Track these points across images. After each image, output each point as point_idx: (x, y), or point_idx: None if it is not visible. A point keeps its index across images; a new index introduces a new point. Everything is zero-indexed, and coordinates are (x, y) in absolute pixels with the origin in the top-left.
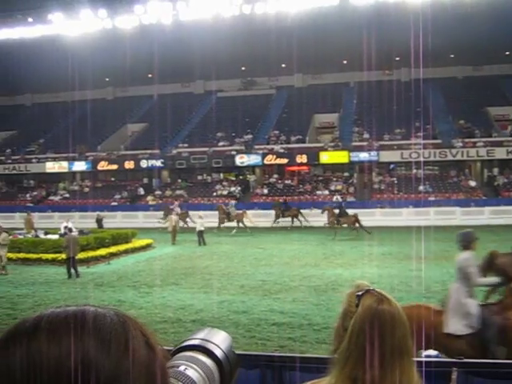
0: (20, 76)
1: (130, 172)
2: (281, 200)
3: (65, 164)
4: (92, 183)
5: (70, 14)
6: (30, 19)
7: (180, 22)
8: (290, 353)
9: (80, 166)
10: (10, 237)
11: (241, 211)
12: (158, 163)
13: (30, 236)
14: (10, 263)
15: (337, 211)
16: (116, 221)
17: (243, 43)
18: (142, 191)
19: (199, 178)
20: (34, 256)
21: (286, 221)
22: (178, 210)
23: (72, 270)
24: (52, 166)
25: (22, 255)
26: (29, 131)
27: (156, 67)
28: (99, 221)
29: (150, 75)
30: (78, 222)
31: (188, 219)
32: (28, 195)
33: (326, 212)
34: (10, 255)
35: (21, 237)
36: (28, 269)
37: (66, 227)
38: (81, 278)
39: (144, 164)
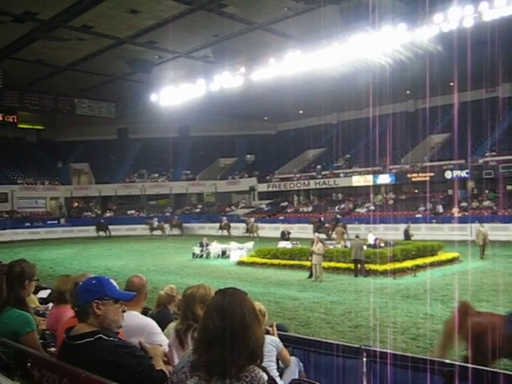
0: (326, 98)
1: (434, 183)
2: (320, 218)
3: (370, 177)
4: (396, 195)
5: (369, 33)
6: (335, 43)
7: (481, 23)
8: None
9: (384, 178)
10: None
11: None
12: (463, 174)
13: (339, 246)
14: (323, 271)
15: (318, 224)
16: (420, 233)
17: None
18: (441, 209)
19: (509, 188)
20: (344, 265)
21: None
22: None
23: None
24: (358, 180)
25: (332, 264)
26: (336, 148)
27: (457, 75)
28: (406, 232)
29: (451, 84)
30: (384, 233)
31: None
32: (336, 208)
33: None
34: (323, 264)
35: (331, 247)
36: (338, 277)
37: (376, 239)
38: (388, 289)
39: (448, 175)
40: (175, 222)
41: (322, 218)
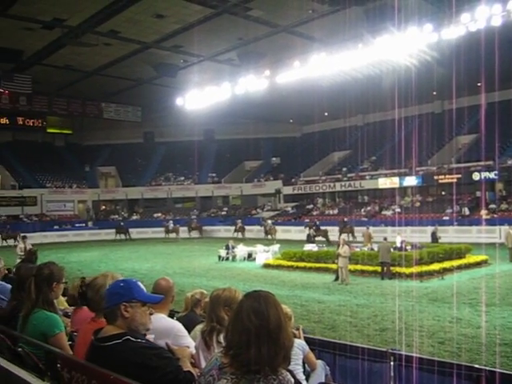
0: (351, 100)
1: (461, 185)
2: (315, 221)
3: (396, 180)
4: (423, 197)
5: (396, 34)
6: (360, 45)
7: (509, 22)
8: None
9: (411, 180)
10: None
11: (273, 226)
12: (491, 175)
13: (365, 249)
14: (349, 274)
15: (314, 227)
16: (448, 235)
17: None
18: (467, 211)
19: None
20: (371, 268)
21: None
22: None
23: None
24: (384, 182)
25: (359, 267)
26: (361, 150)
27: (485, 74)
28: (434, 235)
29: (478, 84)
30: (410, 236)
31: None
32: (362, 210)
33: (308, 227)
34: (349, 267)
35: (357, 250)
36: (365, 280)
37: (402, 241)
38: (415, 292)
39: (476, 176)
40: (194, 224)
41: (318, 222)
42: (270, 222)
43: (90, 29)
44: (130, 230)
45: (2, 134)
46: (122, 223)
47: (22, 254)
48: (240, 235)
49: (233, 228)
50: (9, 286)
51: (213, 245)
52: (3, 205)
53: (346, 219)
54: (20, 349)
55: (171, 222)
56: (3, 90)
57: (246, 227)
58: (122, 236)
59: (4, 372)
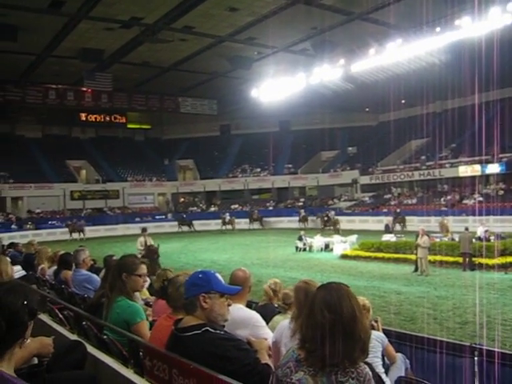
0: (429, 86)
1: None
2: (327, 213)
3: (477, 167)
4: (507, 185)
5: (476, 15)
6: (438, 29)
7: None
8: None
9: (493, 168)
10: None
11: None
12: None
13: (445, 239)
14: (429, 265)
15: (325, 218)
16: None
17: None
18: None
19: None
20: (451, 259)
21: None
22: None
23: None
24: (465, 170)
25: (439, 258)
26: (440, 137)
27: None
28: None
29: None
30: (494, 225)
31: None
32: (442, 199)
33: (319, 218)
34: (429, 257)
35: (437, 240)
36: (445, 271)
37: (486, 231)
38: (500, 284)
39: None
40: (256, 215)
41: (329, 213)
42: (333, 212)
43: (166, 26)
44: (207, 221)
45: (86, 131)
46: (184, 215)
47: (142, 248)
48: (302, 225)
49: (310, 218)
50: (95, 276)
51: (290, 235)
52: (89, 198)
53: (398, 210)
54: (105, 336)
55: (227, 214)
56: (86, 89)
57: None
58: (186, 228)
59: (92, 358)
